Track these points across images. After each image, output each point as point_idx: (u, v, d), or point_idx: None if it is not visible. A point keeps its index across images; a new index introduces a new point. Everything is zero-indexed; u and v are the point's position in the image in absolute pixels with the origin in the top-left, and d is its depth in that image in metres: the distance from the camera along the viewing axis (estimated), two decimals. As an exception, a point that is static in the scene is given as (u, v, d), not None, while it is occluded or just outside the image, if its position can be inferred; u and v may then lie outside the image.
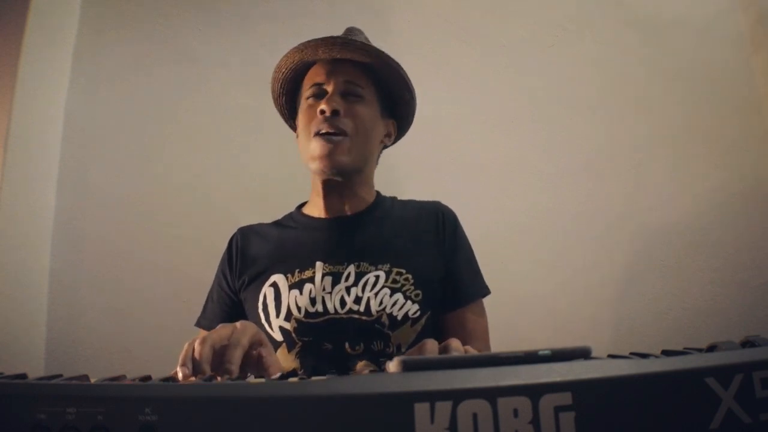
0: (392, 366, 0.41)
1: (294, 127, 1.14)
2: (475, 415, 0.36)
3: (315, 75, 1.04)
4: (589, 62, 1.71)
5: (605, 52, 1.72)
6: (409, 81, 1.07)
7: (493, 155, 1.65)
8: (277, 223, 1.13)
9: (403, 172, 1.60)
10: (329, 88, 1.01)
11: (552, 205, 1.62)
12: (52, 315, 1.53)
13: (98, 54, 1.71)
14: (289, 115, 1.14)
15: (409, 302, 0.96)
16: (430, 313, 0.98)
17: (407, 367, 0.40)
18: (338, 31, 1.09)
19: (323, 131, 0.97)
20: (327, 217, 1.06)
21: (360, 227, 1.05)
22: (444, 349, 0.64)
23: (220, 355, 0.63)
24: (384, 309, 0.95)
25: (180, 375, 0.59)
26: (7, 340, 1.40)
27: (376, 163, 1.13)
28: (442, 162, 1.65)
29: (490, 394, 0.36)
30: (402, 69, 1.05)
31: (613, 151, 1.65)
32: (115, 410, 0.36)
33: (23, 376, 0.46)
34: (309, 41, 1.01)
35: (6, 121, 1.44)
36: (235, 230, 1.12)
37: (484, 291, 1.07)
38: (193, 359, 0.61)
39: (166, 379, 0.52)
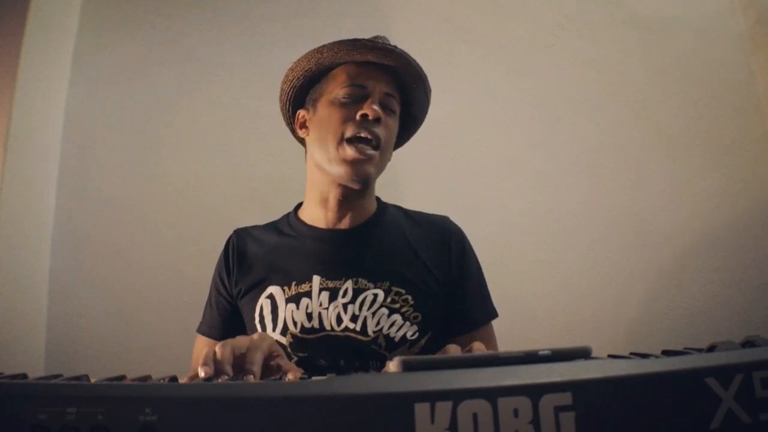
0: (392, 366, 0.41)
1: (290, 118, 1.09)
2: (475, 415, 0.36)
3: (356, 75, 0.97)
4: (589, 62, 1.71)
5: (604, 52, 1.72)
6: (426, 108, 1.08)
7: (493, 155, 1.65)
8: (273, 227, 1.08)
9: (403, 172, 1.60)
10: (375, 94, 0.96)
11: (552, 205, 1.62)
12: (52, 315, 1.53)
13: (98, 54, 1.71)
14: (291, 113, 1.09)
15: (407, 323, 0.93)
16: (430, 334, 0.96)
17: (407, 367, 0.40)
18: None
19: (361, 135, 0.93)
20: (326, 228, 1.02)
21: (360, 241, 1.01)
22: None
23: (239, 361, 0.63)
24: (381, 330, 0.92)
25: (201, 374, 0.58)
26: (7, 340, 1.40)
27: None
28: (442, 162, 1.64)
29: (491, 394, 0.36)
30: (431, 92, 1.05)
31: (613, 151, 1.65)
32: (115, 410, 0.36)
33: (23, 376, 0.46)
34: (360, 44, 0.95)
35: (6, 121, 1.44)
36: (231, 232, 1.09)
37: (493, 315, 1.04)
38: (215, 360, 0.61)
39: (167, 379, 0.52)
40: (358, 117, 0.93)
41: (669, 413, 0.38)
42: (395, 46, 0.98)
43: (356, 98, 0.96)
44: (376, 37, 1.02)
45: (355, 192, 0.99)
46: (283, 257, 1.01)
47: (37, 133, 1.56)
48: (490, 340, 1.02)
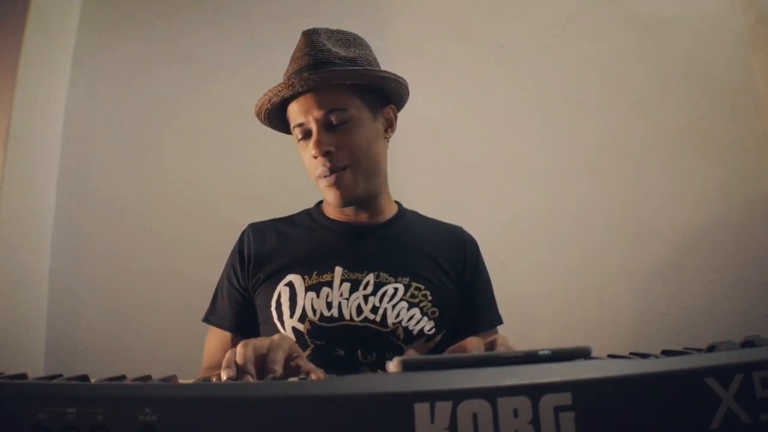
0: (392, 366, 0.41)
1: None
2: (475, 415, 0.36)
3: (295, 114, 0.99)
4: (589, 62, 1.71)
5: (605, 52, 1.72)
6: (385, 72, 1.00)
7: (493, 155, 1.65)
8: (291, 221, 1.10)
9: (403, 172, 1.59)
10: (312, 127, 0.97)
11: (552, 205, 1.62)
12: (52, 315, 1.53)
13: (98, 54, 1.71)
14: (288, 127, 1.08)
15: (425, 318, 0.96)
16: (445, 332, 0.99)
17: (407, 367, 0.40)
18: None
19: (325, 174, 0.97)
20: (349, 222, 1.05)
21: (382, 237, 1.04)
22: (490, 347, 0.67)
23: (261, 362, 0.62)
24: (400, 322, 0.95)
25: (224, 377, 0.58)
26: (7, 340, 1.40)
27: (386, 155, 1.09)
28: (443, 162, 1.65)
29: (490, 394, 0.36)
30: (371, 70, 0.99)
31: (613, 151, 1.65)
32: (115, 410, 0.36)
33: (23, 376, 0.46)
34: (274, 88, 0.98)
35: (6, 121, 1.44)
36: (246, 226, 1.10)
37: (497, 322, 1.09)
38: (236, 362, 0.60)
39: (166, 379, 0.52)
40: (313, 159, 0.97)
41: (669, 413, 0.38)
42: (312, 70, 0.96)
43: (305, 135, 0.99)
44: (310, 35, 1.00)
45: (359, 200, 1.02)
46: (306, 247, 1.03)
47: (37, 133, 1.56)
48: None
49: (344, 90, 0.97)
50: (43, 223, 1.57)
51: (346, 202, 0.99)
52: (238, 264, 1.05)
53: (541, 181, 1.64)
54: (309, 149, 0.96)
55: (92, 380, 0.45)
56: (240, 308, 1.04)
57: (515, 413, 0.36)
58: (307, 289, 0.97)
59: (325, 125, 0.97)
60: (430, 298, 0.98)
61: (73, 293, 1.55)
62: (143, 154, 1.66)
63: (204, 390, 0.38)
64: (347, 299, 0.96)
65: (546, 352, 0.42)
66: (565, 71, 1.71)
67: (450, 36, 1.74)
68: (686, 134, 1.66)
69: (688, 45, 1.71)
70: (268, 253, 1.03)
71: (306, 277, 0.98)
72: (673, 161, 1.64)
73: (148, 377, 0.51)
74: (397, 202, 1.13)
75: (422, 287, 0.98)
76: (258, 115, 1.06)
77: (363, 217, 1.05)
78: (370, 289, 0.97)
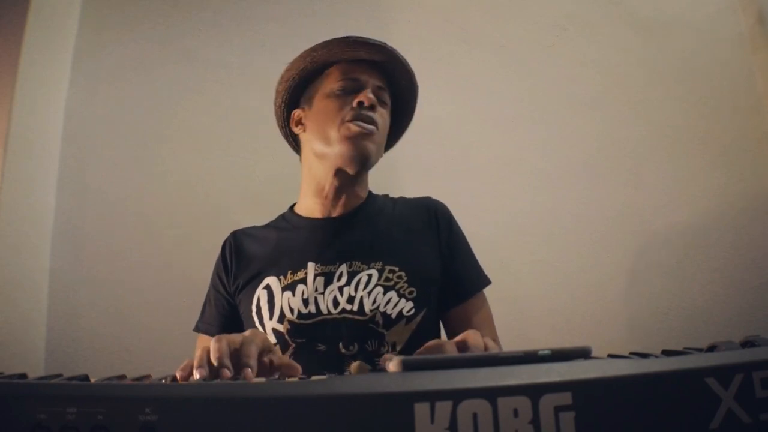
0: (392, 366, 0.41)
1: (285, 120, 1.12)
2: (475, 415, 0.36)
3: (349, 70, 1.03)
4: (589, 62, 1.71)
5: (605, 52, 1.72)
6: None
7: (493, 155, 1.65)
8: (269, 225, 1.13)
9: (403, 172, 1.59)
10: (366, 85, 1.02)
11: (552, 205, 1.62)
12: (52, 315, 1.53)
13: (98, 54, 1.71)
14: (285, 113, 1.11)
15: (403, 300, 0.95)
16: (426, 310, 0.98)
17: (407, 366, 0.40)
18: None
19: (360, 119, 0.98)
20: (318, 217, 1.06)
21: (351, 226, 1.04)
22: (463, 346, 0.66)
23: (235, 357, 0.62)
24: (377, 308, 0.94)
25: (197, 376, 0.58)
26: (7, 340, 1.40)
27: None
28: (442, 162, 1.65)
29: (490, 394, 0.36)
30: (417, 89, 1.09)
31: (613, 151, 1.65)
32: (115, 410, 0.36)
33: (23, 376, 0.46)
34: (351, 41, 1.02)
35: (6, 121, 1.44)
36: (228, 234, 1.12)
37: (485, 282, 1.07)
38: (210, 357, 0.60)
39: (169, 379, 0.52)
40: (354, 104, 0.98)
41: (669, 413, 0.38)
42: (384, 43, 1.03)
43: (350, 90, 1.01)
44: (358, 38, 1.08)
45: (351, 178, 1.03)
46: (279, 249, 1.04)
47: (37, 133, 1.56)
48: (482, 308, 1.05)
49: (387, 85, 1.07)
50: (43, 223, 1.57)
51: (361, 152, 0.98)
52: (223, 272, 1.07)
53: (541, 181, 1.64)
54: (352, 98, 0.99)
55: (92, 380, 0.45)
56: (227, 314, 1.05)
57: (515, 413, 0.36)
58: (284, 289, 0.98)
59: (375, 94, 1.02)
60: (405, 278, 0.97)
61: (73, 293, 1.55)
62: (143, 154, 1.66)
63: (204, 390, 0.38)
64: (323, 293, 0.96)
65: (546, 352, 0.42)
66: (565, 71, 1.71)
67: (450, 36, 1.74)
68: (686, 134, 1.66)
69: (688, 45, 1.71)
70: (247, 259, 1.05)
71: (282, 277, 0.99)
72: (673, 161, 1.64)
73: (148, 377, 0.51)
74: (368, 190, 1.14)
75: (396, 269, 0.97)
76: (302, 61, 1.05)
77: (336, 208, 1.05)
78: (344, 279, 0.97)
